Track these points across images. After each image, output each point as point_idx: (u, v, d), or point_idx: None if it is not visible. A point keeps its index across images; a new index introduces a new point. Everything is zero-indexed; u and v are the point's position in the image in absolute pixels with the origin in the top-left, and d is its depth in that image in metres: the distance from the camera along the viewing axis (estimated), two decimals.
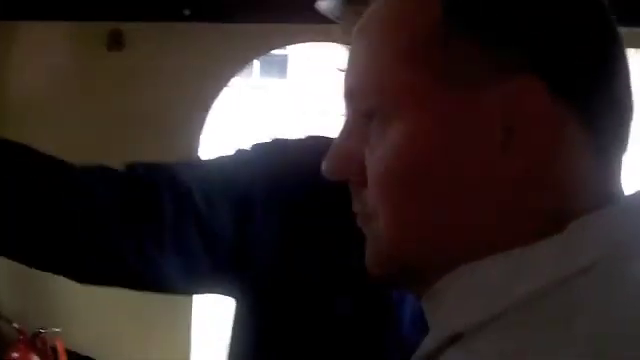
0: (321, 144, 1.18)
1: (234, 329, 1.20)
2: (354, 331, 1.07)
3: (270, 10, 2.17)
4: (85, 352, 2.52)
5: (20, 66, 2.50)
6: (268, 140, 1.19)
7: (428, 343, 0.63)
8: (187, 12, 2.20)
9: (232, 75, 2.40)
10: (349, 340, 1.07)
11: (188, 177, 1.10)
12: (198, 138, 2.39)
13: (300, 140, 1.19)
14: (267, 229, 1.10)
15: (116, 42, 2.37)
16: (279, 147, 1.17)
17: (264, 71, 20.16)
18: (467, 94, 0.58)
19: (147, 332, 2.51)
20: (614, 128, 0.61)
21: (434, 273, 0.63)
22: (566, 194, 0.59)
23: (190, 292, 1.17)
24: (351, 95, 0.67)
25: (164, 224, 1.06)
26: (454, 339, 0.61)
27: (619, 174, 0.63)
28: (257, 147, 1.18)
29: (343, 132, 0.68)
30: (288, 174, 1.12)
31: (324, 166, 0.68)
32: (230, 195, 1.10)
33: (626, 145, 0.62)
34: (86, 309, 2.46)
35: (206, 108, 2.38)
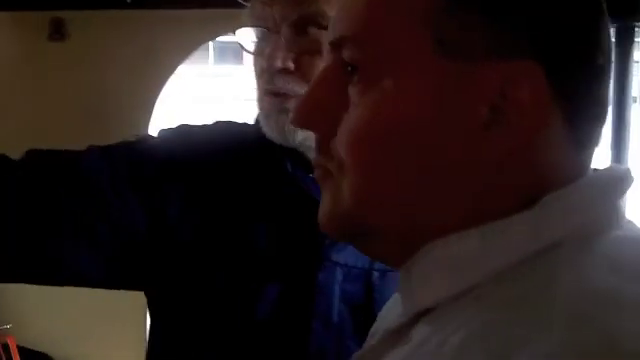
0: (223, 128, 1.21)
1: (153, 327, 1.19)
2: (280, 315, 1.06)
3: None
4: (38, 348, 2.49)
5: None
6: (173, 126, 1.20)
7: (397, 318, 0.64)
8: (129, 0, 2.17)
9: (178, 63, 2.37)
10: (275, 324, 1.07)
11: (93, 165, 1.08)
12: (146, 127, 2.36)
13: (204, 125, 1.20)
14: (184, 214, 1.10)
15: (58, 32, 2.32)
16: (184, 132, 1.18)
17: (219, 58, 20.05)
18: (463, 66, 0.58)
19: (100, 326, 2.48)
20: (593, 123, 0.62)
21: (402, 245, 0.63)
22: (542, 179, 0.60)
23: (108, 285, 1.14)
24: (340, 42, 0.63)
25: (68, 215, 1.04)
26: (424, 314, 0.61)
27: (591, 160, 0.64)
28: (162, 133, 1.18)
29: (318, 80, 0.65)
30: (194, 157, 1.12)
31: (292, 114, 0.66)
32: (138, 182, 1.09)
33: (599, 142, 0.63)
34: (37, 305, 2.42)
35: (153, 96, 2.35)
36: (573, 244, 0.58)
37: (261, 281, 1.07)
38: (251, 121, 1.19)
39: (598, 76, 0.61)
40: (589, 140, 0.62)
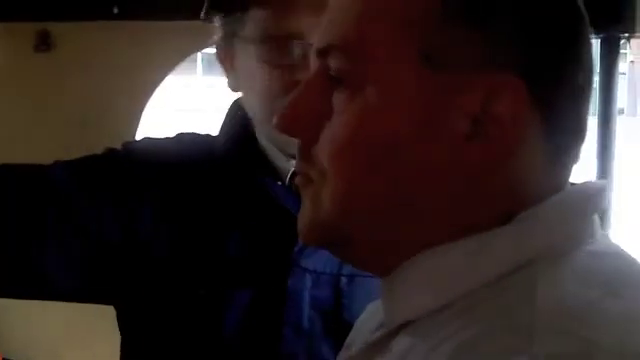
0: (189, 139, 1.22)
1: (123, 341, 1.19)
2: (251, 322, 1.07)
3: (201, 7, 2.14)
4: (18, 358, 2.47)
5: None
6: (138, 139, 1.21)
7: (376, 330, 0.65)
8: (116, 10, 2.16)
9: (165, 74, 2.36)
10: (246, 331, 1.07)
11: (60, 177, 1.08)
12: (133, 138, 2.35)
13: (169, 137, 1.21)
14: (156, 229, 1.10)
15: (44, 43, 2.31)
16: (149, 145, 1.18)
17: (207, 69, 20.04)
18: (447, 78, 0.58)
19: (85, 338, 2.46)
20: (572, 140, 0.63)
21: (384, 255, 0.63)
22: (519, 194, 0.60)
23: (79, 297, 1.15)
24: (327, 50, 0.64)
25: (38, 227, 1.04)
26: (404, 326, 0.62)
27: (569, 176, 0.65)
28: (127, 146, 1.18)
29: (304, 87, 0.65)
30: (162, 170, 1.13)
31: (276, 119, 0.66)
32: (105, 196, 1.09)
33: (578, 159, 0.64)
34: (16, 312, 2.40)
35: (140, 107, 2.34)
36: (550, 259, 0.58)
37: (232, 288, 1.09)
38: (215, 132, 1.20)
39: (578, 94, 0.62)
40: (567, 157, 0.63)
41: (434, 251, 0.60)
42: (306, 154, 0.65)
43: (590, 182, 0.66)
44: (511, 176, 0.60)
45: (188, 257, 1.09)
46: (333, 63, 0.63)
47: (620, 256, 0.63)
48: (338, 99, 0.62)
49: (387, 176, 0.60)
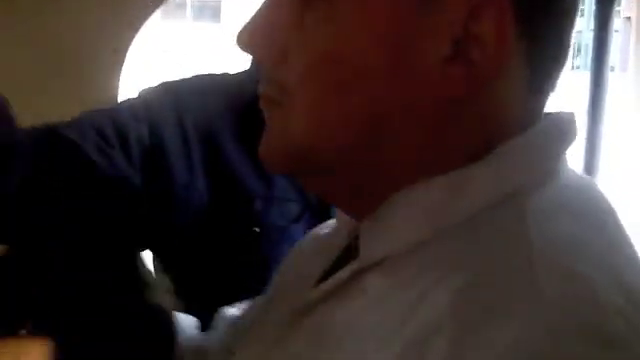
0: (206, 81, 1.20)
1: None
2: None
3: None
4: None
5: None
6: (155, 85, 1.17)
7: (348, 268, 0.61)
8: None
9: (151, 11, 2.32)
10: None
11: (81, 134, 1.06)
12: (116, 81, 2.32)
13: (186, 80, 1.18)
14: (186, 172, 1.09)
15: None
16: (169, 89, 1.15)
17: (197, 16, 19.92)
18: None
19: None
20: (553, 68, 0.60)
21: (359, 187, 0.60)
22: (499, 122, 0.58)
23: None
24: None
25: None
26: (378, 265, 0.59)
27: (545, 105, 0.62)
28: (146, 93, 1.15)
29: (271, 4, 0.60)
30: (187, 112, 1.10)
31: (238, 34, 0.61)
32: (131, 146, 1.07)
33: (555, 88, 0.62)
34: None
35: (124, 45, 2.30)
36: (532, 193, 0.57)
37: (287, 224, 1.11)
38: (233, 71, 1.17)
39: (563, 19, 0.58)
40: (547, 85, 0.60)
41: (415, 186, 0.58)
42: (273, 74, 0.60)
43: (563, 113, 0.63)
44: (493, 102, 0.57)
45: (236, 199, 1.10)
46: None
47: (592, 189, 0.62)
48: (310, 17, 0.57)
49: (361, 97, 0.56)
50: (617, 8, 2.22)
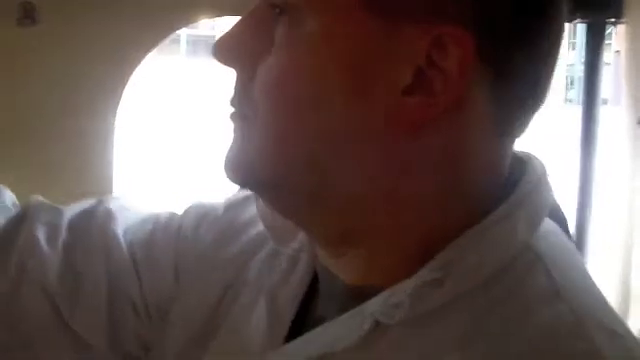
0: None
1: None
2: None
3: None
4: None
5: None
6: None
7: (367, 321, 0.57)
8: None
9: (149, 48, 2.35)
10: None
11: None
12: (114, 115, 2.34)
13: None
14: None
15: (27, 16, 2.28)
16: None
17: (191, 51, 19.98)
18: (390, 25, 0.55)
19: None
20: (522, 109, 0.59)
21: (312, 218, 0.60)
22: (461, 158, 0.57)
23: None
24: None
25: None
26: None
27: (513, 146, 0.61)
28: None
29: (245, 18, 0.61)
30: None
31: (214, 48, 0.61)
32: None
33: (525, 130, 0.61)
34: None
35: (122, 83, 2.32)
36: (538, 243, 0.58)
37: None
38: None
39: (539, 58, 0.58)
40: (514, 127, 0.59)
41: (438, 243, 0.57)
42: (242, 89, 0.60)
43: (530, 154, 0.63)
44: (454, 138, 0.56)
45: None
46: None
47: (557, 229, 0.63)
48: (278, 34, 0.58)
49: (316, 126, 0.56)
50: (608, 41, 2.23)
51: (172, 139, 9.32)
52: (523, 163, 0.62)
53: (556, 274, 0.56)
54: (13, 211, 0.80)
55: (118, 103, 2.33)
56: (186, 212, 0.80)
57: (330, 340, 0.58)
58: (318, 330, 0.60)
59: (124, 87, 2.32)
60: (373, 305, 0.57)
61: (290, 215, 0.62)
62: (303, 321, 0.65)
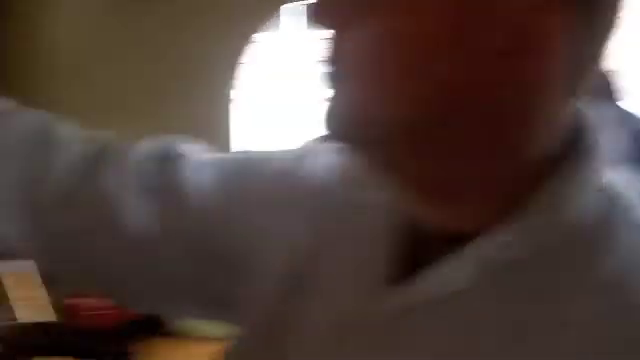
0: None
1: None
2: None
3: None
4: None
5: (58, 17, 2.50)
6: None
7: (461, 270, 0.59)
8: None
9: (260, 24, 2.38)
10: None
11: None
12: (229, 91, 2.38)
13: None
14: None
15: None
16: None
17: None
18: None
19: None
20: (593, 68, 0.59)
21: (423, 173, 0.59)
22: (552, 118, 0.58)
23: None
24: None
25: None
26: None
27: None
28: None
29: None
30: None
31: (312, 8, 0.60)
32: None
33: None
34: None
35: (234, 60, 2.36)
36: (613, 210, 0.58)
37: None
38: None
39: (613, 27, 0.58)
40: (581, 88, 0.59)
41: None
42: (340, 46, 0.59)
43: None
44: (548, 99, 0.57)
45: None
46: None
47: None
48: None
49: (418, 83, 0.56)
50: None
51: (289, 113, 9.25)
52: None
53: None
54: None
55: (232, 80, 2.36)
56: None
57: (442, 281, 0.59)
58: (427, 273, 0.60)
59: (235, 63, 2.36)
60: (479, 248, 0.58)
61: (393, 170, 0.61)
62: (399, 266, 0.63)
